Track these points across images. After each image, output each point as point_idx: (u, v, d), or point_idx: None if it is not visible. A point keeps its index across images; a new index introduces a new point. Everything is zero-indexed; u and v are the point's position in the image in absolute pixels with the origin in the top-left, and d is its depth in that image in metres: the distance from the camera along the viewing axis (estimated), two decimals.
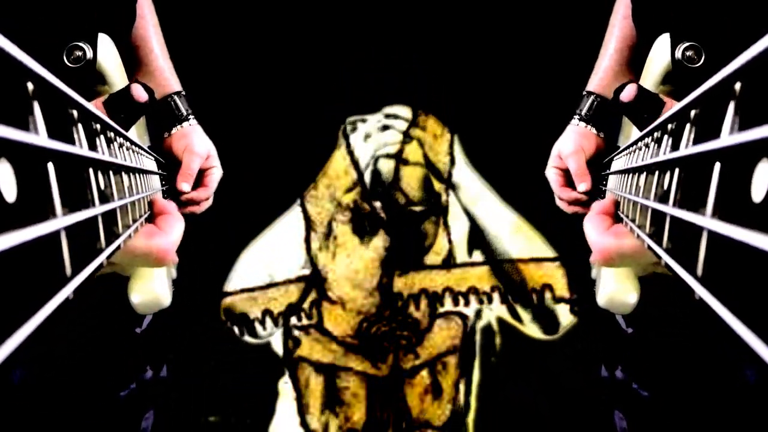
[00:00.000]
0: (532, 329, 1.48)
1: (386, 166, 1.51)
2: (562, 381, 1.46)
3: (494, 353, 1.49)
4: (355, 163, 1.52)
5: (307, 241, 1.52)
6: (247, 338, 1.49)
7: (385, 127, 1.52)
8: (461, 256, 1.51)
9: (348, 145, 1.52)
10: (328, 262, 1.51)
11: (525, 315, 1.48)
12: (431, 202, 1.51)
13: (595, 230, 0.65)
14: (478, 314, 1.49)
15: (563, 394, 1.45)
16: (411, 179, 1.51)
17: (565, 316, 1.48)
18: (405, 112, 1.53)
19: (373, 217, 1.50)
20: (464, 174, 1.52)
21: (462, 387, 1.48)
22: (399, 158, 1.51)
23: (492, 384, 1.48)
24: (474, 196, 1.52)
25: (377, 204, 1.49)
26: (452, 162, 1.52)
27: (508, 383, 1.47)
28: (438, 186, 1.51)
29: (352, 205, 1.51)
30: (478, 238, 1.51)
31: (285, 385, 1.48)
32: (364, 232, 1.50)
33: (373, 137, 1.51)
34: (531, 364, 1.48)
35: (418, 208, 1.50)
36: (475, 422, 1.47)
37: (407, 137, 1.52)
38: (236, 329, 1.49)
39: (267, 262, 1.51)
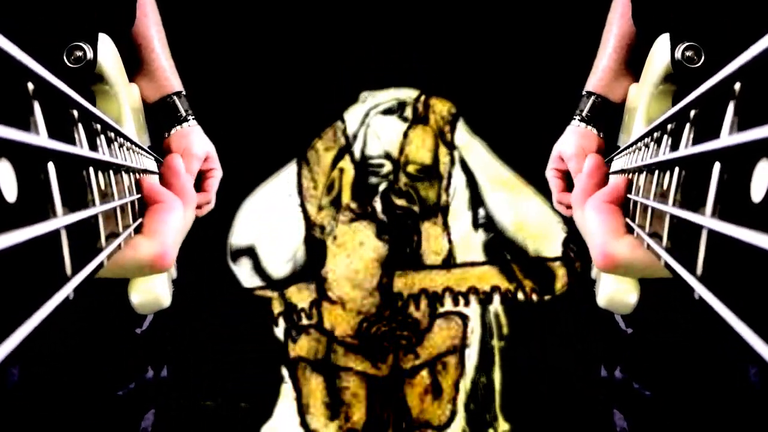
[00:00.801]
0: (530, 291, 1.48)
1: (387, 124, 1.50)
2: (562, 380, 1.46)
3: (502, 338, 1.49)
4: (355, 162, 1.52)
5: (307, 241, 1.52)
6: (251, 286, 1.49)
7: (389, 111, 1.52)
8: (461, 256, 1.51)
9: (348, 144, 1.52)
10: (328, 262, 1.51)
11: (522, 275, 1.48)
12: (434, 168, 1.49)
13: (604, 226, 0.53)
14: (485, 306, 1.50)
15: (563, 393, 1.45)
16: (417, 139, 1.50)
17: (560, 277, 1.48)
18: (408, 98, 1.53)
19: (371, 207, 1.50)
20: (470, 153, 1.52)
21: (467, 384, 1.48)
22: (402, 115, 1.50)
23: (509, 372, 1.48)
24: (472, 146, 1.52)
25: (373, 168, 1.48)
26: (453, 157, 1.52)
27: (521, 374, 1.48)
28: (444, 151, 1.50)
29: (352, 204, 1.51)
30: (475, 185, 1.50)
31: (285, 385, 1.48)
32: (364, 221, 1.50)
33: (370, 102, 1.51)
34: (533, 362, 1.48)
35: (419, 172, 1.49)
36: (502, 410, 1.47)
37: (411, 105, 1.52)
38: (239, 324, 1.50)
39: (266, 261, 1.51)
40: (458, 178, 1.52)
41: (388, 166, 1.51)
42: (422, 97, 1.52)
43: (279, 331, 1.50)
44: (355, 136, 1.51)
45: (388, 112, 1.51)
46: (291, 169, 1.52)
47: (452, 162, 1.51)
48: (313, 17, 1.51)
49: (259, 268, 1.49)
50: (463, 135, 1.52)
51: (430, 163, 1.51)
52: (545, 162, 0.98)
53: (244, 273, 1.50)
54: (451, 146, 1.51)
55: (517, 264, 1.50)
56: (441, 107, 1.52)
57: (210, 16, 1.48)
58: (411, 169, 1.50)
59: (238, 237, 1.50)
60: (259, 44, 1.49)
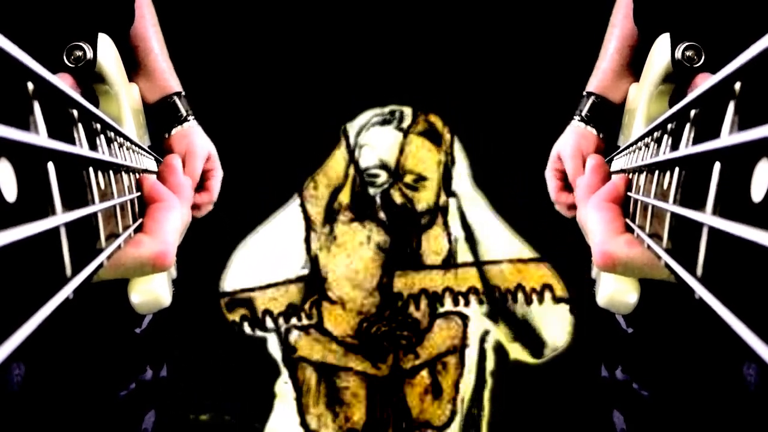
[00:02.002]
0: (520, 353, 1.48)
1: (381, 134, 1.50)
2: (562, 381, 1.46)
3: (503, 368, 1.49)
4: (355, 162, 1.52)
5: (307, 241, 1.52)
6: (248, 332, 1.49)
7: (386, 121, 1.52)
8: (461, 256, 1.51)
9: (348, 145, 1.52)
10: (328, 262, 1.51)
11: (512, 336, 1.48)
12: (433, 177, 1.50)
13: (603, 225, 0.53)
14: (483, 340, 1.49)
15: (563, 393, 1.45)
16: (412, 146, 1.50)
17: (551, 338, 1.47)
18: (406, 110, 1.53)
19: (371, 207, 1.50)
20: (464, 173, 1.52)
21: (466, 394, 1.48)
22: (400, 126, 1.51)
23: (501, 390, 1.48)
24: (473, 198, 1.52)
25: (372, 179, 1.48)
26: (452, 162, 1.52)
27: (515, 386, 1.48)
28: (440, 159, 1.50)
29: (352, 204, 1.51)
30: (474, 241, 1.51)
31: (285, 385, 1.48)
32: (364, 226, 1.50)
33: (368, 115, 1.52)
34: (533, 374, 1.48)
35: (415, 182, 1.49)
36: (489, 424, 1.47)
37: (405, 114, 1.52)
38: (236, 327, 1.49)
39: (266, 262, 1.51)
40: (457, 181, 1.52)
41: (384, 176, 1.51)
42: (416, 108, 1.52)
43: (274, 350, 1.49)
44: (352, 152, 1.51)
45: (382, 123, 1.51)
46: (291, 208, 1.52)
47: (447, 166, 1.51)
48: (312, 27, 1.51)
49: (256, 321, 1.49)
50: (456, 145, 1.52)
51: (427, 171, 1.51)
52: (539, 174, 0.97)
53: (241, 323, 1.49)
54: (447, 152, 1.51)
55: (516, 264, 1.50)
56: (434, 118, 1.52)
57: (206, 25, 1.48)
58: (408, 179, 1.50)
59: (232, 281, 1.50)
60: (248, 78, 1.49)
